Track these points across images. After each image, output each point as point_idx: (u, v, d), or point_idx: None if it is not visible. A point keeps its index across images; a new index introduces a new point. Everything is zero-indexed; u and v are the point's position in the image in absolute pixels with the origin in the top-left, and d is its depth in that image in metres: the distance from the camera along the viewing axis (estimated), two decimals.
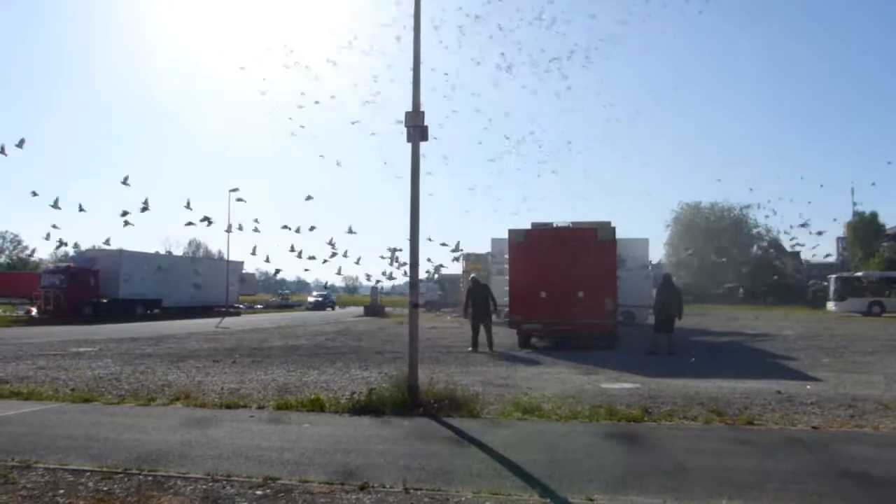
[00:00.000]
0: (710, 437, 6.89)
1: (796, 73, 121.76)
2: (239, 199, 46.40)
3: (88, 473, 5.50)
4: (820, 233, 25.57)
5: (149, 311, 39.21)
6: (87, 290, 36.61)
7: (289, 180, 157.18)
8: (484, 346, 16.56)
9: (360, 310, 47.82)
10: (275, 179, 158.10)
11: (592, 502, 4.78)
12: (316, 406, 8.46)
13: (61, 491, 5.06)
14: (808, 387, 10.29)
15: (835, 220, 66.41)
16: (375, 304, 45.45)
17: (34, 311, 36.77)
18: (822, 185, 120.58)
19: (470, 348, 16.56)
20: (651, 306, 20.36)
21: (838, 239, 73.34)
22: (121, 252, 38.01)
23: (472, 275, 21.45)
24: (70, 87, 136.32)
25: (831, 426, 7.40)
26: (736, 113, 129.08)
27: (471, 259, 35.03)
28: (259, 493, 5.04)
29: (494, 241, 27.06)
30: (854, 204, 62.10)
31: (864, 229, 67.79)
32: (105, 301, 37.01)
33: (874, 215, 67.85)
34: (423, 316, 33.24)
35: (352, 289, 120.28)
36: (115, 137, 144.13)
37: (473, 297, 17.35)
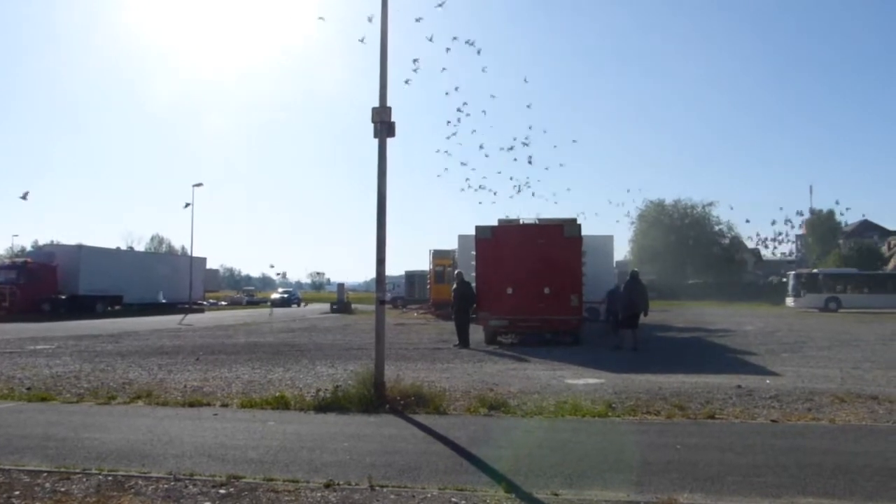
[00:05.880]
0: (672, 432, 6.99)
1: (768, 70, 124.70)
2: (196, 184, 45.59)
3: (45, 474, 5.36)
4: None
5: (109, 308, 38.35)
6: (45, 286, 35.70)
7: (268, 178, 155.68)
8: (455, 341, 16.62)
9: (327, 306, 47.45)
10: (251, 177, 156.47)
11: (557, 497, 4.81)
12: (281, 404, 8.38)
13: (17, 492, 4.91)
14: (768, 381, 10.53)
15: (787, 221, 67.72)
16: (342, 301, 45.18)
17: None
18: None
19: (458, 344, 16.59)
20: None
21: (797, 236, 75.25)
22: (80, 247, 37.14)
23: (458, 271, 21.45)
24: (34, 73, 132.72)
25: (790, 419, 7.58)
26: (700, 113, 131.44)
27: (440, 255, 35.05)
28: (222, 491, 4.96)
29: (461, 238, 27.03)
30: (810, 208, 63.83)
31: (822, 227, 69.78)
32: (64, 297, 36.08)
33: (831, 213, 69.79)
34: (390, 312, 33.22)
35: (318, 285, 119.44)
36: (81, 129, 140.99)
37: (460, 295, 17.35)
